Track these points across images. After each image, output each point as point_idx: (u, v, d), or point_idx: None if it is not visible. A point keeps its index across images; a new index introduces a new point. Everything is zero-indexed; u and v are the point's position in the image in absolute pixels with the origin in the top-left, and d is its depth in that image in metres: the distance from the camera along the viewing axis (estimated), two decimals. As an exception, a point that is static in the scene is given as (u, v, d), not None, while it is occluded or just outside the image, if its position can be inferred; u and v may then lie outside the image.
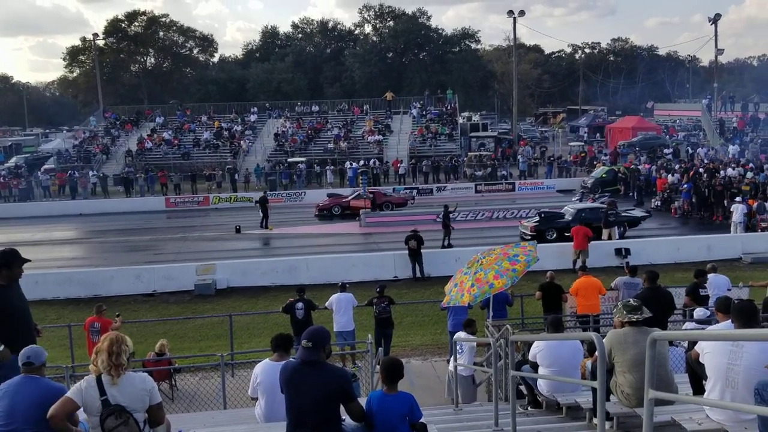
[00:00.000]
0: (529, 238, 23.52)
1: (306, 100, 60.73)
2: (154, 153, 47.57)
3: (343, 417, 4.92)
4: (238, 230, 29.51)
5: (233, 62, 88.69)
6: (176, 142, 49.07)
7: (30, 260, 6.11)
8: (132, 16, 78.03)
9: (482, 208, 31.27)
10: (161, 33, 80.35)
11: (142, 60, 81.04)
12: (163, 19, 79.96)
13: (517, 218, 29.22)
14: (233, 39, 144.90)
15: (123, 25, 77.42)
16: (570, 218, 23.89)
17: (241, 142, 48.73)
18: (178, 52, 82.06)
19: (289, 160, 44.59)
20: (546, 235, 23.73)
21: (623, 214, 25.44)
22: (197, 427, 7.17)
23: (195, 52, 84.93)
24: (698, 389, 5.93)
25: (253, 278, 20.54)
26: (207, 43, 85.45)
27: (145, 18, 78.36)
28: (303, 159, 44.24)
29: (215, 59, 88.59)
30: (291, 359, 5.36)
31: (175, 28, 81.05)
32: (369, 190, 34.08)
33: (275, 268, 21.02)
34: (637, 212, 26.53)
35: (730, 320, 5.54)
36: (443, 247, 23.62)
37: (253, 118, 53.78)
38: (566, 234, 22.57)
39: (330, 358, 5.15)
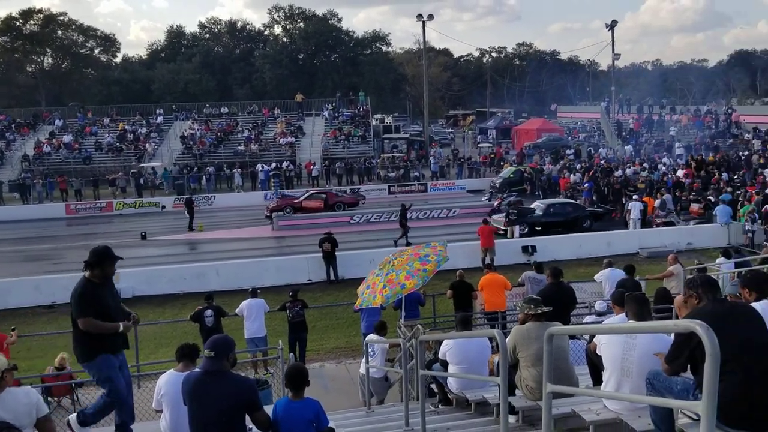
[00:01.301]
0: (503, 232, 24.70)
1: (215, 102, 59.53)
2: (53, 157, 45.26)
3: (249, 426, 4.82)
4: (143, 237, 28.48)
5: (137, 63, 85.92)
6: (77, 145, 46.79)
7: (122, 258, 6.08)
8: (27, 14, 74.27)
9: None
10: (59, 32, 76.89)
11: (39, 60, 77.33)
12: (62, 18, 76.71)
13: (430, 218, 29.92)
14: (137, 38, 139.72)
15: (17, 23, 73.61)
16: (540, 213, 26.07)
17: (147, 145, 47.10)
18: (77, 52, 78.69)
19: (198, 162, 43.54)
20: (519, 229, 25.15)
21: (588, 209, 27.68)
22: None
23: (96, 51, 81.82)
24: (598, 380, 6.17)
25: (160, 286, 19.83)
26: (109, 42, 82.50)
27: (41, 16, 74.88)
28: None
29: (118, 59, 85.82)
30: (196, 370, 5.21)
31: (74, 26, 77.76)
32: (321, 191, 33.92)
33: (183, 274, 20.40)
34: (600, 209, 28.44)
35: (624, 313, 5.81)
36: (405, 244, 23.28)
37: (159, 120, 52.07)
38: (537, 228, 25.50)
39: (242, 366, 5.04)
